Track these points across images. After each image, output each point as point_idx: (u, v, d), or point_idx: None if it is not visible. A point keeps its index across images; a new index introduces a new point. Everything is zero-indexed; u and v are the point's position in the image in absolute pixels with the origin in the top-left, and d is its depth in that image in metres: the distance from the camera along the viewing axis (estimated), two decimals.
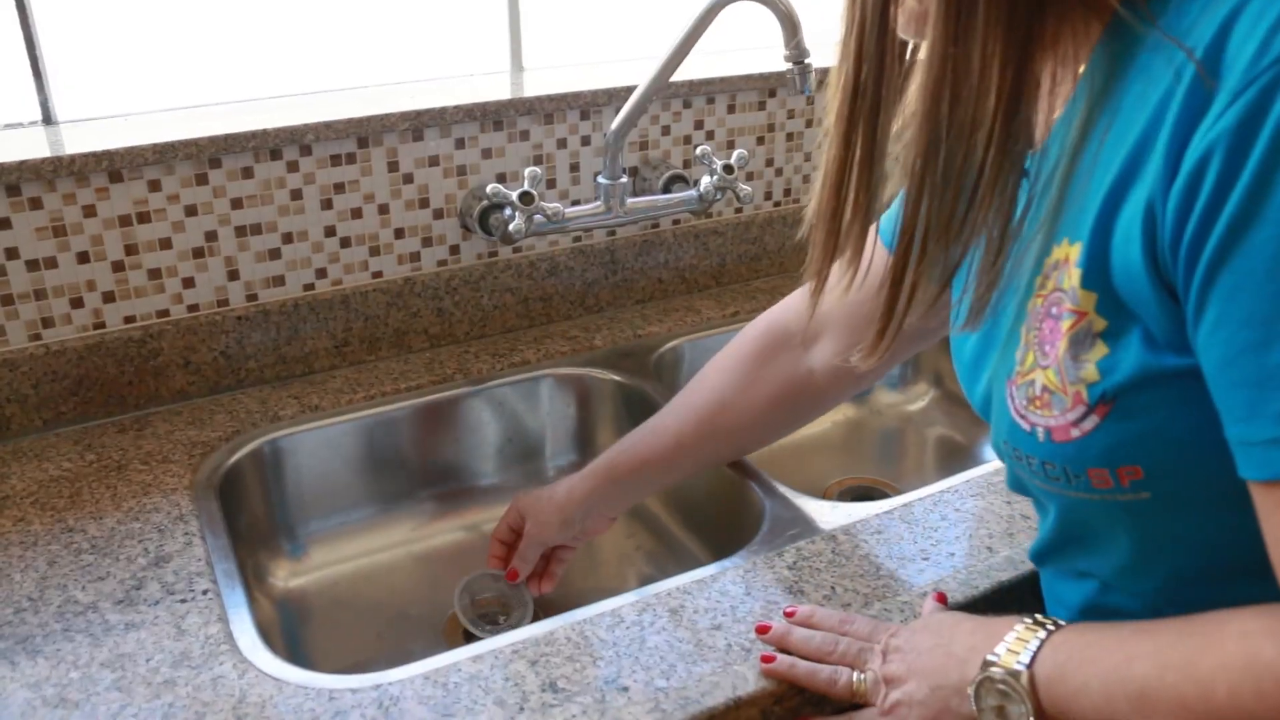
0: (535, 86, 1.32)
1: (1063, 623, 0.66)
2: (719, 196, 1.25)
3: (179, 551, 0.93)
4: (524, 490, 1.11)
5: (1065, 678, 0.62)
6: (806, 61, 1.10)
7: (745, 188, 1.25)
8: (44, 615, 0.85)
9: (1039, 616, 0.67)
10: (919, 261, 0.63)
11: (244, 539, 1.09)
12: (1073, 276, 0.57)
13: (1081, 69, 0.59)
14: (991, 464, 1.06)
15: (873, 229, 0.70)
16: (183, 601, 0.87)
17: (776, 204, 1.51)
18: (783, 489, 1.03)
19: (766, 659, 0.79)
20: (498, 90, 1.29)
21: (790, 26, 1.08)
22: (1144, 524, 0.61)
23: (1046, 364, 0.60)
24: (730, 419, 1.00)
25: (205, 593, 0.88)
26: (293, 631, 1.09)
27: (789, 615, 0.83)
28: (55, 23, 1.17)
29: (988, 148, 0.57)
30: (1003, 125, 0.57)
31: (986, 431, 1.40)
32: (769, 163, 1.47)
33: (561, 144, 1.30)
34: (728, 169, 1.24)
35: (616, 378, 1.26)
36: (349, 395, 1.19)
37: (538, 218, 1.15)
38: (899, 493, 1.10)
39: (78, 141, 1.10)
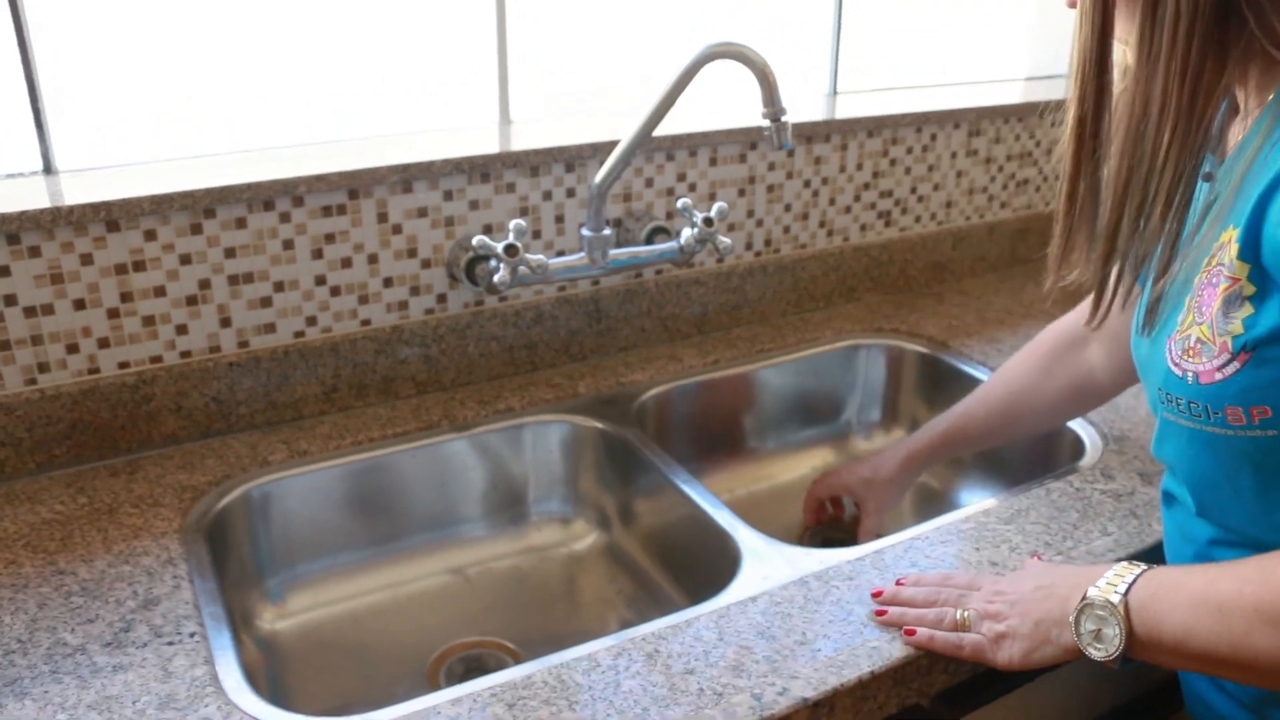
0: (522, 139, 1.36)
1: (1155, 566, 0.79)
2: (699, 248, 1.28)
3: (167, 594, 0.95)
4: (830, 469, 1.35)
5: (1156, 601, 0.75)
6: (783, 119, 1.13)
7: (725, 240, 1.28)
8: (33, 657, 0.87)
9: (1134, 561, 0.80)
10: (1125, 243, 0.79)
11: (232, 582, 1.11)
12: (1231, 251, 0.71)
13: (1270, 96, 0.74)
14: (962, 511, 1.09)
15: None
16: (170, 644, 0.89)
17: (757, 254, 1.54)
18: (758, 534, 1.06)
19: (880, 612, 0.91)
20: (485, 143, 1.33)
21: (766, 84, 1.11)
22: (1268, 462, 0.74)
23: (1202, 320, 0.75)
24: (1028, 405, 1.18)
25: (192, 635, 0.90)
26: (279, 674, 1.11)
27: (899, 583, 0.95)
28: (58, 74, 1.21)
29: (1164, 164, 0.74)
30: (1179, 147, 0.73)
31: (962, 478, 1.44)
32: (750, 213, 1.51)
33: (547, 196, 1.34)
34: (708, 221, 1.27)
35: (599, 425, 1.29)
36: (337, 441, 1.22)
37: (522, 269, 1.18)
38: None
39: (77, 192, 1.14)
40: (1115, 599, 0.76)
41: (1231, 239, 0.71)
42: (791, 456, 1.49)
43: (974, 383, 1.24)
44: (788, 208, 1.54)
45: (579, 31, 1.56)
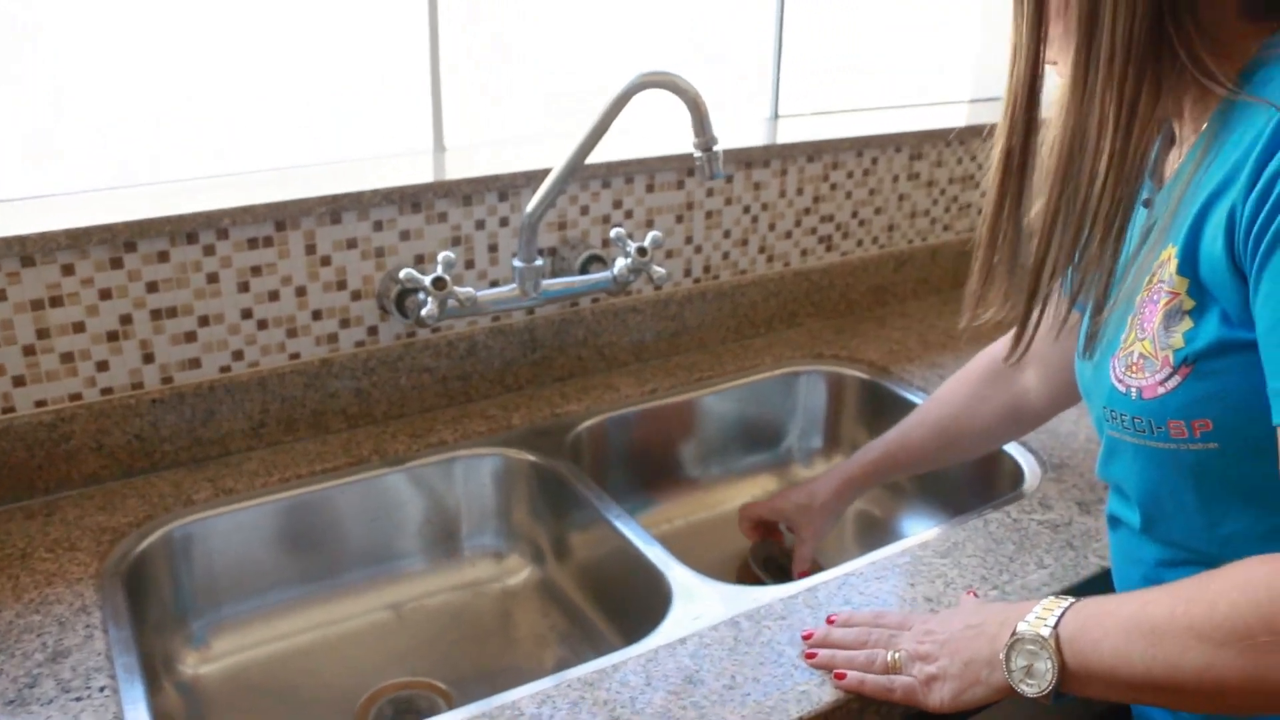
0: (456, 168, 1.34)
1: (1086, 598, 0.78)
2: (633, 278, 1.27)
3: (78, 645, 0.92)
4: (759, 497, 1.37)
5: (1086, 631, 0.74)
6: (715, 149, 1.12)
7: (659, 269, 1.27)
8: None
9: (1063, 595, 0.79)
10: (1050, 278, 0.80)
11: (152, 626, 1.08)
12: (1171, 268, 0.73)
13: (1204, 126, 0.75)
14: (898, 545, 1.08)
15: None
16: (78, 699, 0.86)
17: (696, 280, 1.53)
18: (690, 571, 1.04)
19: (810, 655, 0.90)
20: (418, 172, 1.31)
21: (698, 113, 1.10)
22: (1210, 475, 0.75)
23: (1144, 336, 0.76)
24: (963, 428, 1.18)
25: (102, 689, 0.87)
26: None
27: (830, 621, 0.94)
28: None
29: (1101, 194, 0.74)
30: (1115, 177, 0.73)
31: (903, 506, 1.43)
32: (688, 240, 1.50)
33: (480, 225, 1.32)
34: (641, 251, 1.26)
35: (531, 457, 1.27)
36: (264, 478, 1.19)
37: (451, 302, 1.16)
38: (819, 568, 1.11)
39: None
40: (1045, 632, 0.75)
41: (1171, 256, 0.73)
42: (732, 485, 1.48)
43: (914, 408, 1.23)
44: (727, 234, 1.53)
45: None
